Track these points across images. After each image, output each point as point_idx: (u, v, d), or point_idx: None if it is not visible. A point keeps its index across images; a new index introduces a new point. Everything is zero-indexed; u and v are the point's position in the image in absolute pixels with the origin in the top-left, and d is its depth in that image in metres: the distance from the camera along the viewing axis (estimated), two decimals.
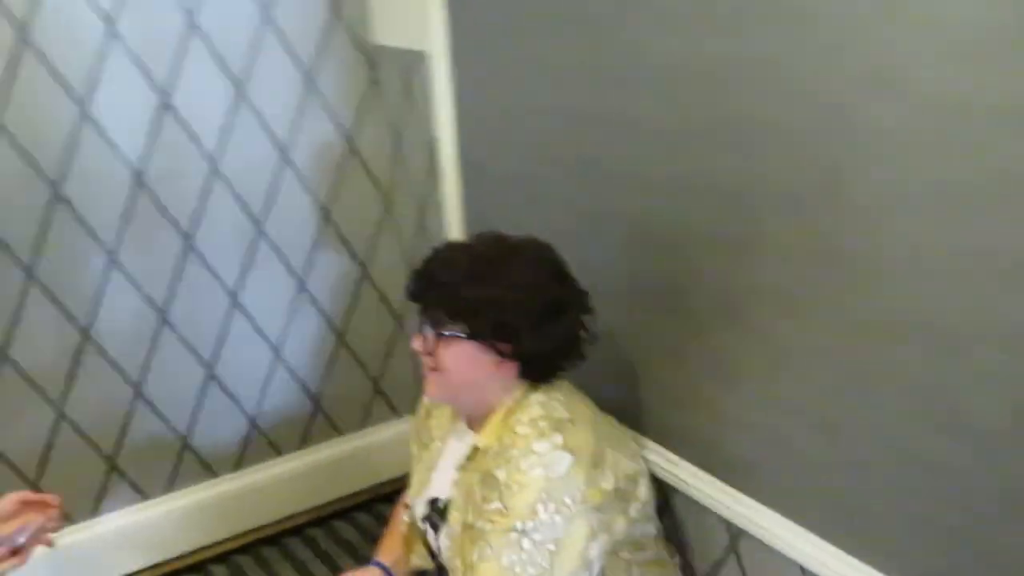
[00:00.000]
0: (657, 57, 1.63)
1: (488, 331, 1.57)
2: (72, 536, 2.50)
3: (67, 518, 2.45)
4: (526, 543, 1.47)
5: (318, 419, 2.83)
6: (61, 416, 2.42)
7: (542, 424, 1.56)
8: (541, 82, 1.98)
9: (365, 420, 2.92)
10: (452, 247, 1.69)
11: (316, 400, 2.80)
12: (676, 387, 1.79)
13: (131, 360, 2.49)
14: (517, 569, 1.46)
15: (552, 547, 1.49)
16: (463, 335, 1.58)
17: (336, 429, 2.87)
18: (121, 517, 2.59)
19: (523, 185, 2.12)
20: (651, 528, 1.70)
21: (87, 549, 2.53)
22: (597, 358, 1.74)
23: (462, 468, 1.65)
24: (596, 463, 1.56)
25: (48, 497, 1.77)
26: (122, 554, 2.60)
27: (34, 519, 1.71)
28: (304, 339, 2.73)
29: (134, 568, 2.62)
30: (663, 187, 1.70)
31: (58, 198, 2.27)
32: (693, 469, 1.79)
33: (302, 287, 2.67)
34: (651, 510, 1.71)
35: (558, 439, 1.54)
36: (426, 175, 2.54)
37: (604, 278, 1.78)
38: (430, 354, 1.63)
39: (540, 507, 1.48)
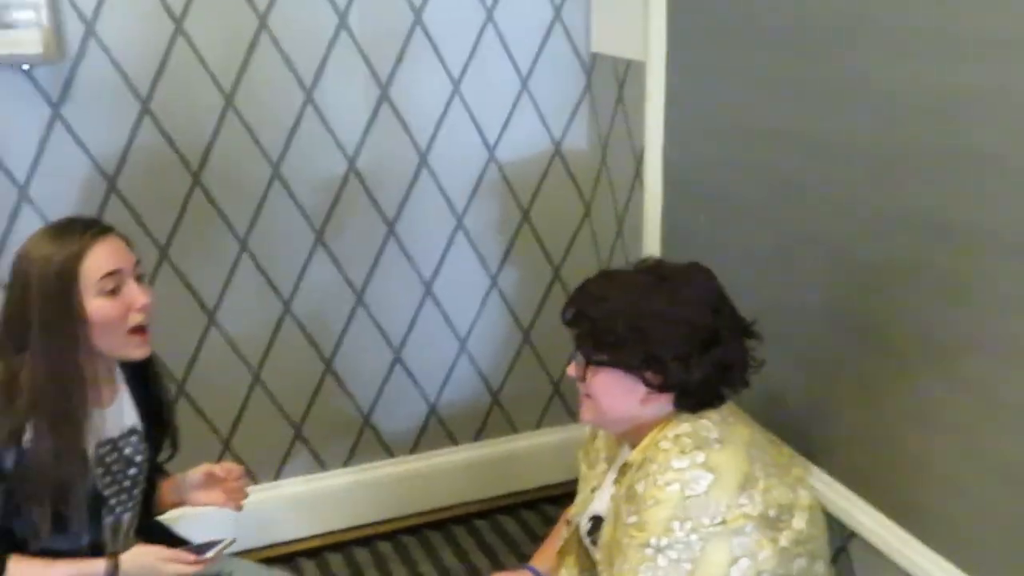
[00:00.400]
0: (883, 83, 1.54)
1: (635, 364, 1.55)
2: (253, 496, 2.61)
3: (252, 479, 2.57)
4: (662, 560, 1.45)
5: (495, 414, 2.86)
6: (257, 381, 2.55)
7: (686, 441, 1.53)
8: (754, 99, 1.92)
9: (541, 420, 2.93)
10: (605, 276, 1.69)
11: (495, 395, 2.83)
12: (866, 426, 1.69)
13: (325, 335, 2.59)
14: None
15: (689, 566, 1.46)
16: (610, 364, 1.57)
17: (512, 426, 2.89)
18: (299, 484, 2.70)
19: (724, 202, 2.07)
20: (819, 568, 1.62)
21: (266, 510, 2.65)
22: (781, 383, 1.67)
23: (615, 483, 1.65)
24: (743, 486, 1.50)
25: (232, 470, 1.86)
26: (297, 519, 2.71)
27: (218, 499, 1.85)
28: (490, 334, 2.76)
29: (306, 534, 2.73)
30: (873, 217, 1.60)
31: (276, 176, 2.38)
32: (874, 513, 1.68)
33: (494, 283, 2.70)
34: (818, 548, 1.62)
35: (700, 457, 1.50)
36: (629, 184, 2.51)
37: (798, 304, 1.70)
38: (582, 380, 1.63)
39: (676, 524, 1.46)
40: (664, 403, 1.58)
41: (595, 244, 2.74)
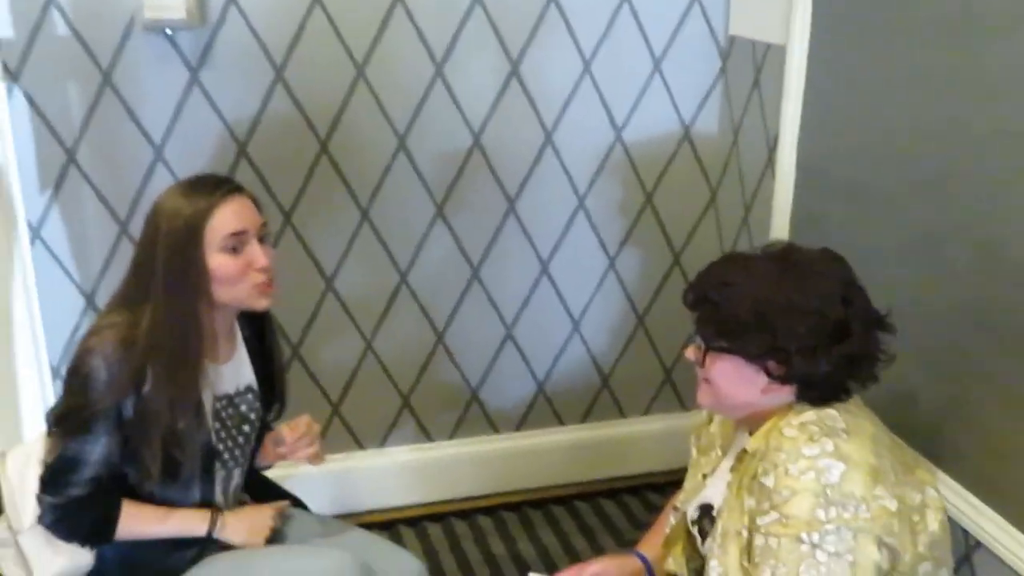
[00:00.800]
0: None
1: (758, 353, 1.49)
2: (358, 461, 2.67)
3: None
4: (820, 555, 1.39)
5: (604, 397, 2.83)
6: (369, 348, 2.57)
7: (812, 428, 1.46)
8: (901, 88, 1.83)
9: (650, 407, 2.89)
10: (731, 260, 1.61)
11: (605, 378, 2.80)
12: (1005, 435, 1.61)
13: (439, 308, 2.59)
14: None
15: (851, 557, 1.39)
16: (730, 351, 1.51)
17: (620, 410, 2.86)
18: (405, 453, 2.72)
19: (861, 193, 1.98)
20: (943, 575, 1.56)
21: (370, 477, 2.69)
22: (909, 381, 1.59)
23: (732, 470, 1.59)
24: (875, 479, 1.44)
25: (297, 426, 1.87)
26: (399, 488, 2.74)
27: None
28: (604, 316, 2.72)
29: (407, 503, 2.75)
30: None
31: (402, 147, 2.37)
32: (1005, 525, 1.61)
33: (611, 265, 2.66)
34: (944, 555, 1.56)
35: (828, 445, 1.43)
36: (759, 173, 2.43)
37: (935, 300, 1.62)
38: (700, 365, 1.57)
39: (820, 512, 1.39)
40: (786, 394, 1.52)
41: (719, 232, 2.67)
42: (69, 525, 1.71)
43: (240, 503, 1.98)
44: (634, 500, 2.84)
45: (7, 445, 2.17)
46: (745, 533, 1.49)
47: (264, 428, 1.94)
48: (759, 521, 1.44)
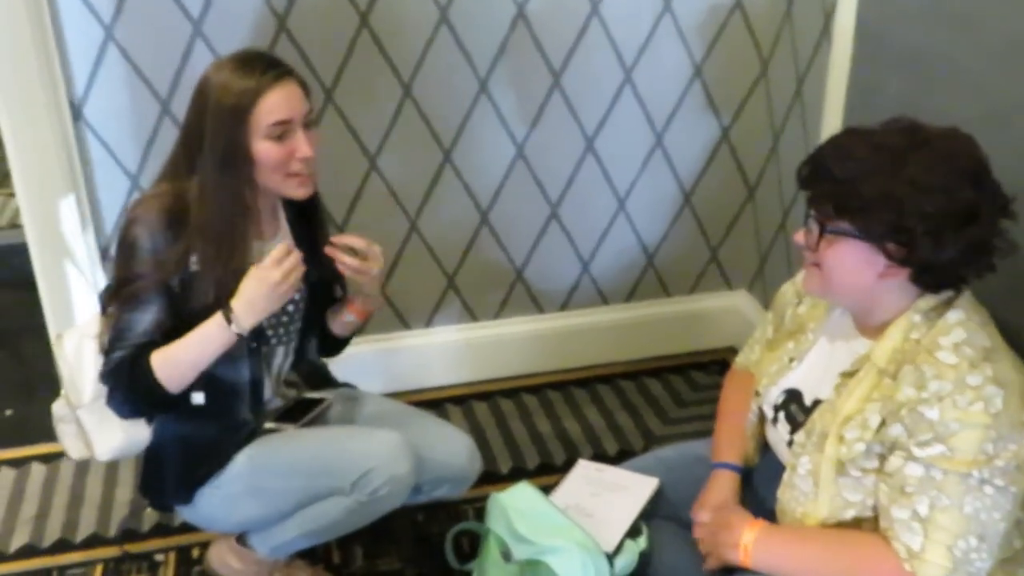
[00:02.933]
0: None
1: (880, 233, 1.40)
2: (405, 341, 2.68)
3: (404, 324, 2.62)
4: (988, 489, 1.36)
5: (648, 276, 2.80)
6: (414, 229, 2.55)
7: (968, 352, 1.39)
8: None
9: (695, 286, 2.86)
10: (852, 133, 1.49)
11: (651, 257, 2.77)
12: None
13: (483, 187, 2.55)
14: (983, 516, 1.36)
15: (1015, 489, 1.37)
16: (851, 234, 1.43)
17: (665, 289, 2.84)
18: (451, 333, 2.73)
19: (925, 62, 1.89)
20: None
21: (416, 356, 2.71)
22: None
23: (847, 375, 1.52)
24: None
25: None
26: (446, 367, 2.76)
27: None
28: (650, 195, 2.67)
29: (454, 381, 2.78)
30: None
31: (444, 20, 2.30)
32: None
33: (659, 141, 2.60)
34: None
35: (988, 370, 1.37)
36: (815, 41, 2.34)
37: (1010, 180, 1.54)
38: (813, 250, 1.49)
39: (989, 447, 1.35)
40: (902, 278, 1.44)
41: (769, 105, 2.59)
42: (122, 393, 1.74)
43: (289, 384, 2.00)
44: (678, 379, 2.84)
45: (61, 327, 2.20)
46: (859, 446, 1.44)
47: (314, 308, 1.95)
48: (917, 452, 1.38)
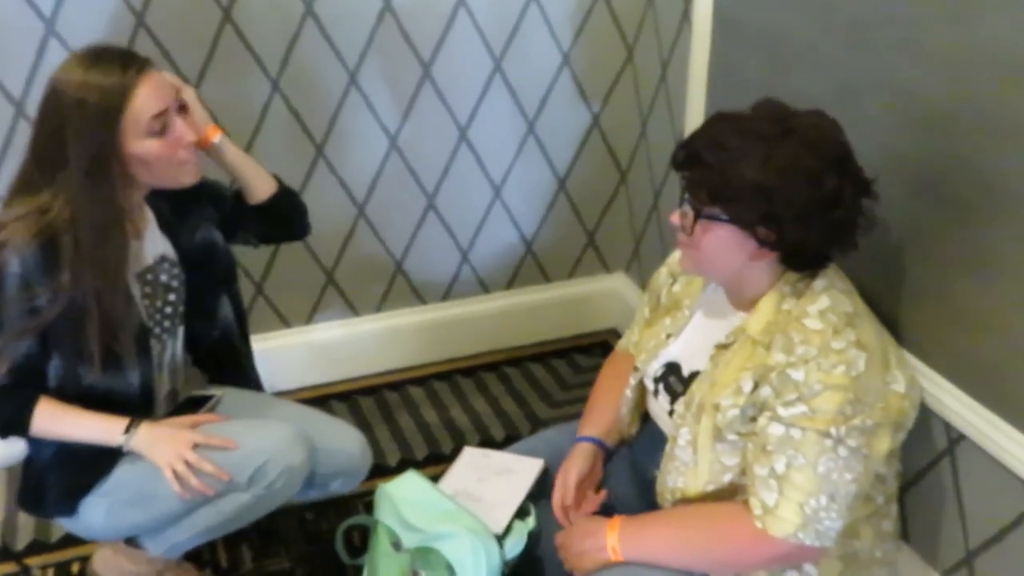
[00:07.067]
0: None
1: (751, 220, 1.46)
2: (286, 339, 2.65)
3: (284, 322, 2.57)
4: (841, 450, 1.41)
5: (528, 263, 2.84)
6: None
7: (832, 318, 1.46)
8: None
9: (574, 271, 2.91)
10: (723, 119, 1.54)
11: (529, 244, 2.80)
12: (924, 280, 1.67)
13: (358, 180, 2.54)
14: (835, 477, 1.41)
15: (867, 452, 1.44)
16: (724, 220, 1.48)
17: (544, 275, 2.87)
18: (332, 329, 2.71)
19: (780, 43, 1.97)
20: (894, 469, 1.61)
21: (298, 354, 2.68)
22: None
23: (723, 347, 1.57)
24: (886, 363, 1.48)
25: None
26: (329, 364, 2.74)
27: None
28: (525, 182, 2.70)
29: (337, 378, 2.76)
30: (943, 58, 1.53)
31: (309, 12, 2.28)
32: (938, 378, 1.67)
33: (531, 130, 2.63)
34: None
35: (851, 335, 1.44)
36: (677, 26, 2.40)
37: (868, 151, 1.60)
38: (688, 232, 1.53)
39: (848, 408, 1.41)
40: (771, 260, 1.51)
41: (636, 90, 2.65)
42: None
43: (173, 371, 1.93)
44: (561, 363, 2.89)
45: None
46: (733, 411, 1.49)
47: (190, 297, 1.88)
48: (781, 412, 1.44)
